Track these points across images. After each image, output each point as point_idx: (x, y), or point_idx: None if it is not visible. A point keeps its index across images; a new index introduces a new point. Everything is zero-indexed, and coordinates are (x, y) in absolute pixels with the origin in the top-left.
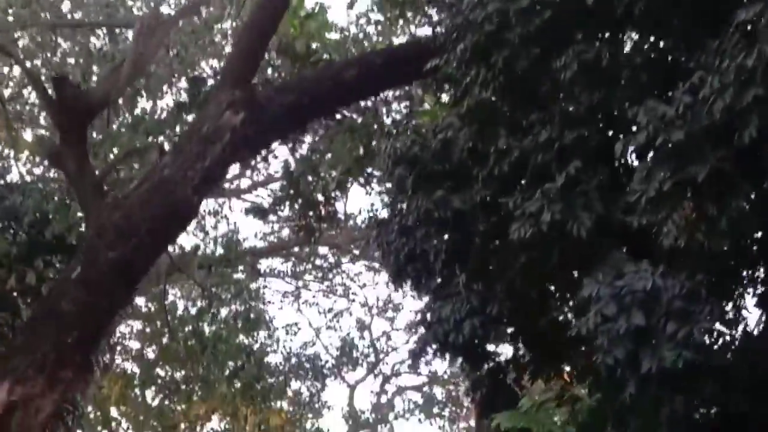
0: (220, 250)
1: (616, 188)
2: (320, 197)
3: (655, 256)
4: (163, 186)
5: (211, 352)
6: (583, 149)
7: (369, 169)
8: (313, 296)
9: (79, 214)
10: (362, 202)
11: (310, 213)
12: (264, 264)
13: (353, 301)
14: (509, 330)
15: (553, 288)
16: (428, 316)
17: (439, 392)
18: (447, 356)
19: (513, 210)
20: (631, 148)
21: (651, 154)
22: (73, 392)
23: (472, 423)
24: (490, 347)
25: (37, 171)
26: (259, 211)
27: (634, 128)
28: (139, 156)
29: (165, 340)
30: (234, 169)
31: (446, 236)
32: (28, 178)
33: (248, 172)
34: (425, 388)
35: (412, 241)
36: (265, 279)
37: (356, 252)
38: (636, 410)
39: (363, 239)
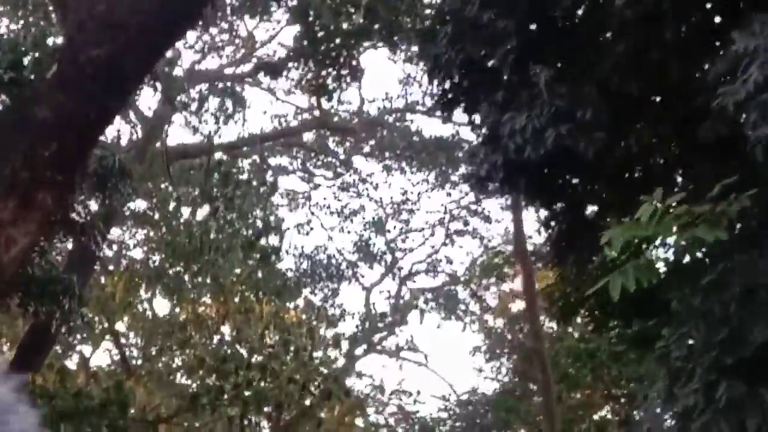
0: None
1: None
2: (337, 53)
3: None
4: None
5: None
6: None
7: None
8: (324, 198)
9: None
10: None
11: (328, 70)
12: (272, 162)
13: (369, 197)
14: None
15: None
16: (495, 132)
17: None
18: (515, 186)
19: None
20: None
21: None
22: (54, 219)
23: (500, 322)
24: (561, 179)
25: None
26: (270, 69)
27: None
28: None
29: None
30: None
31: (518, 27)
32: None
33: (254, 59)
34: (445, 289)
35: (468, 46)
36: (274, 175)
37: (368, 148)
38: None
39: (377, 127)
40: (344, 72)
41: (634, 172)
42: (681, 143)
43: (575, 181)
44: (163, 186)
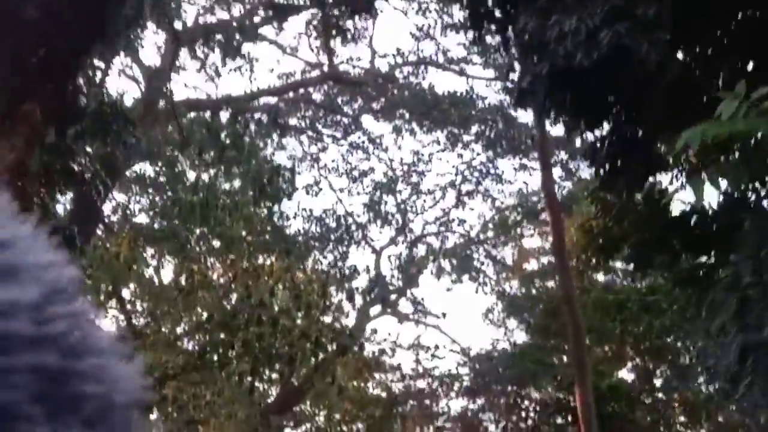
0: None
1: None
2: None
3: None
4: None
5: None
6: None
7: None
8: (333, 160)
9: None
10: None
11: (341, 9)
12: (280, 121)
13: (378, 159)
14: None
15: None
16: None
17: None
18: (559, 103)
19: None
20: None
21: None
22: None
23: (515, 284)
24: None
25: None
26: (279, 10)
27: None
28: None
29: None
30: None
31: None
32: None
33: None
34: (458, 251)
35: None
36: (281, 136)
37: (378, 106)
38: None
39: (388, 83)
40: (359, 9)
41: (696, 83)
42: (753, 43)
43: (626, 99)
44: (168, 150)
